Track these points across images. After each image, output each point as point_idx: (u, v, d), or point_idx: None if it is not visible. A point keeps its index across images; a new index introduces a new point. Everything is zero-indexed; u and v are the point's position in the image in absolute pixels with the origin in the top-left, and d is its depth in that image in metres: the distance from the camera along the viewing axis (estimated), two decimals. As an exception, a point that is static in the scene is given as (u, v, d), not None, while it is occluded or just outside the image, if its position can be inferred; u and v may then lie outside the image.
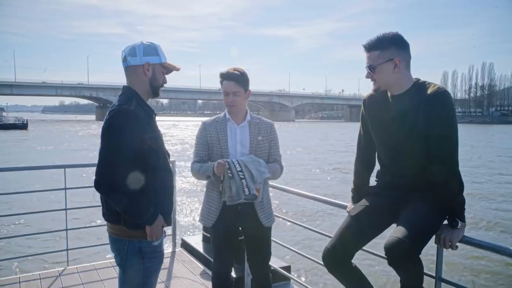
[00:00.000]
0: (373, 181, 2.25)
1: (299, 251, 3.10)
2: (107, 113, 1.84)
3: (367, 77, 2.04)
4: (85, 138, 35.83)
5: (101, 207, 1.95)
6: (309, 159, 21.91)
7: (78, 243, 5.16)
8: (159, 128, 2.03)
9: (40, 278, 3.48)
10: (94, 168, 1.79)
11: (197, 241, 4.29)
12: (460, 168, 1.91)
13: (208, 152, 2.47)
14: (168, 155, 2.07)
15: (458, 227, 1.88)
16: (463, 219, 1.90)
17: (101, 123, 1.86)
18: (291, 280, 3.43)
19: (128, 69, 1.93)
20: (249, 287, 3.18)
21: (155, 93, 1.98)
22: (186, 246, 4.30)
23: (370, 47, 1.99)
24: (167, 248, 4.09)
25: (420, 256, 1.81)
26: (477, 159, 22.42)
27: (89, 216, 8.08)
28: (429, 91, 1.88)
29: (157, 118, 2.05)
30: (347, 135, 42.68)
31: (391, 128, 2.02)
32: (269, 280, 2.64)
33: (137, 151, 1.80)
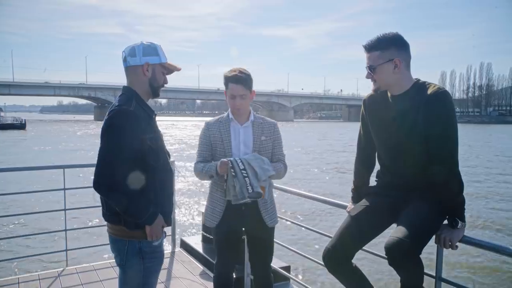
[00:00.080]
0: (373, 181, 2.26)
1: (298, 251, 3.10)
2: (106, 114, 1.83)
3: (367, 77, 2.04)
4: (84, 138, 35.78)
5: (100, 208, 1.95)
6: (308, 159, 21.92)
7: (77, 243, 5.17)
8: (159, 128, 2.03)
9: (39, 279, 3.47)
10: (93, 169, 1.78)
11: (196, 241, 4.29)
12: (459, 168, 1.91)
13: (211, 152, 2.46)
14: (169, 155, 2.07)
15: (458, 227, 1.89)
16: (463, 219, 1.91)
17: (100, 123, 1.86)
18: (291, 280, 3.43)
19: (128, 69, 1.93)
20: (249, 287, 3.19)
21: (155, 94, 1.98)
22: (185, 246, 4.30)
23: (370, 48, 1.99)
24: (166, 249, 4.08)
25: (420, 256, 1.81)
26: (475, 159, 22.47)
27: (88, 216, 8.08)
28: (429, 91, 1.89)
29: (156, 118, 2.05)
30: (345, 135, 42.75)
31: (391, 128, 2.02)
32: (271, 281, 2.65)
33: (136, 151, 1.80)
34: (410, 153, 1.98)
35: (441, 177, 1.86)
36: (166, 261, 3.84)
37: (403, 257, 1.78)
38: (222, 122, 2.47)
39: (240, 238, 2.64)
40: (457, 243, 1.88)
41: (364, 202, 2.15)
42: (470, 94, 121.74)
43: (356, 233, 2.05)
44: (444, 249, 1.92)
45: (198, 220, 8.79)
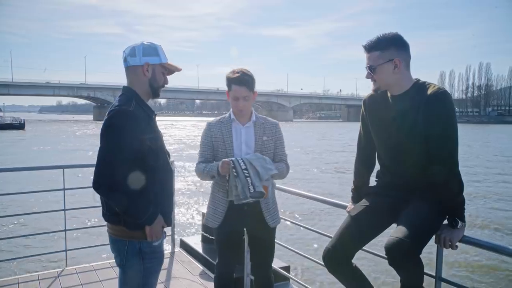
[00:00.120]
0: (373, 181, 2.26)
1: (298, 251, 3.09)
2: (106, 114, 1.83)
3: (367, 77, 2.04)
4: (83, 138, 35.75)
5: (99, 208, 1.95)
6: (307, 159, 21.92)
7: (77, 243, 5.16)
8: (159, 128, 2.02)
9: (38, 279, 3.47)
10: (93, 169, 1.78)
11: (196, 242, 4.29)
12: (459, 168, 1.91)
13: (213, 152, 2.45)
14: (169, 155, 2.06)
15: (458, 226, 1.89)
16: (463, 219, 1.91)
17: (99, 123, 1.86)
18: (291, 280, 3.43)
19: (128, 69, 1.93)
20: None
21: (155, 94, 1.98)
22: (185, 246, 4.30)
23: (370, 48, 1.99)
24: (166, 249, 4.08)
25: (420, 256, 1.81)
26: (475, 159, 22.48)
27: (88, 216, 8.07)
28: (429, 92, 1.89)
29: (156, 118, 2.05)
30: (345, 135, 42.77)
31: (391, 128, 2.02)
32: (271, 281, 2.64)
33: (136, 151, 1.80)
34: (410, 153, 1.98)
35: (441, 177, 1.86)
36: (165, 261, 3.83)
37: (403, 257, 1.78)
38: (224, 122, 2.46)
39: (242, 238, 2.63)
40: (457, 243, 1.88)
41: (364, 202, 2.15)
42: (469, 94, 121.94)
43: (356, 233, 2.05)
44: (444, 249, 1.92)
45: (198, 220, 8.79)
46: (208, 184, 2.58)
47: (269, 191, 2.40)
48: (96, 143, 1.82)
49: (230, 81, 2.36)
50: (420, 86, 1.95)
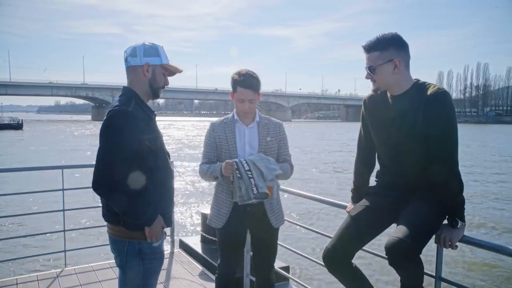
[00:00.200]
0: (373, 181, 2.26)
1: (298, 251, 3.09)
2: (106, 114, 1.83)
3: (367, 77, 2.05)
4: (81, 138, 35.68)
5: (98, 208, 1.95)
6: (306, 158, 21.92)
7: (76, 244, 5.15)
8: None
9: (37, 280, 3.46)
10: (92, 169, 1.78)
11: (195, 242, 4.29)
12: (458, 168, 1.91)
13: (216, 153, 2.44)
14: (168, 155, 2.06)
15: (458, 226, 1.89)
16: (463, 219, 1.91)
17: (97, 123, 1.86)
18: (290, 280, 3.43)
19: (129, 69, 1.93)
20: (248, 288, 3.19)
21: (155, 94, 1.98)
22: (184, 247, 4.30)
23: (370, 48, 1.99)
24: (166, 249, 4.07)
25: (420, 256, 1.81)
26: (473, 159, 22.53)
27: (87, 217, 8.07)
28: (429, 92, 1.89)
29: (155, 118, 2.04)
30: (343, 135, 42.79)
31: (391, 128, 2.02)
32: (273, 282, 2.64)
33: (135, 152, 1.79)
34: (410, 153, 1.98)
35: (441, 177, 1.86)
36: (165, 262, 3.82)
37: (403, 257, 1.78)
38: (227, 123, 2.45)
39: (244, 239, 2.63)
40: (457, 243, 1.88)
41: (364, 202, 2.16)
42: (467, 94, 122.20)
43: (356, 233, 2.06)
44: (444, 249, 1.93)
45: (197, 220, 8.78)
46: (208, 184, 2.58)
47: (274, 192, 2.38)
48: (95, 143, 1.82)
49: (236, 83, 2.34)
50: (420, 86, 1.96)
